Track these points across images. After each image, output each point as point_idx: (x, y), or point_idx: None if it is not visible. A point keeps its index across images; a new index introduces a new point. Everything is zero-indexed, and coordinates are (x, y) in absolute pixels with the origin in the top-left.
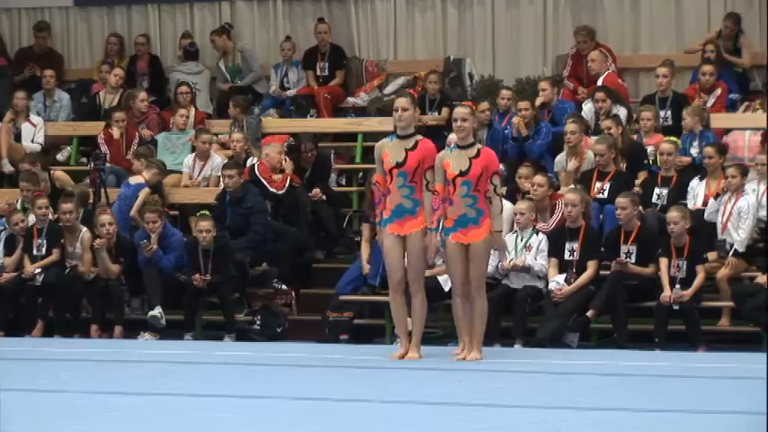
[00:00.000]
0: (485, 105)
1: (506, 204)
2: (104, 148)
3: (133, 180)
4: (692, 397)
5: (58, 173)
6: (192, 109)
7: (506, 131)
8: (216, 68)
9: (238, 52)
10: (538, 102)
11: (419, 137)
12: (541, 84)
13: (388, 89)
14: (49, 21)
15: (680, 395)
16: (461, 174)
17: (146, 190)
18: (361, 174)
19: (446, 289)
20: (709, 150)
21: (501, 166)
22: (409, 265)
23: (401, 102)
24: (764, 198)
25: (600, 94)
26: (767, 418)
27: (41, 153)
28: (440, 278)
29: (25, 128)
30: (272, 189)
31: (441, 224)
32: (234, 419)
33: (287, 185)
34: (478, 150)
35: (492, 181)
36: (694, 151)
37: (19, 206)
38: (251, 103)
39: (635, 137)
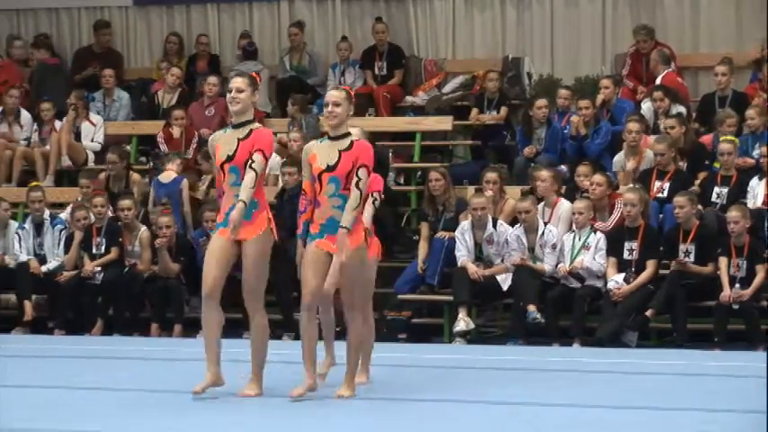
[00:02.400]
0: (542, 103)
1: (565, 204)
2: (164, 147)
3: (165, 178)
4: (751, 397)
5: (136, 175)
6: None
7: (565, 131)
8: (277, 64)
9: (306, 54)
10: (598, 100)
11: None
12: (603, 81)
13: (447, 88)
14: (108, 20)
15: (739, 395)
16: (328, 169)
17: (186, 180)
18: (419, 173)
19: (504, 288)
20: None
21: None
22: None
23: (332, 95)
24: None
25: (658, 93)
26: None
27: (101, 152)
28: (498, 277)
29: (85, 127)
30: None
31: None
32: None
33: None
34: (351, 142)
35: (358, 173)
36: (756, 153)
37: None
38: (309, 102)
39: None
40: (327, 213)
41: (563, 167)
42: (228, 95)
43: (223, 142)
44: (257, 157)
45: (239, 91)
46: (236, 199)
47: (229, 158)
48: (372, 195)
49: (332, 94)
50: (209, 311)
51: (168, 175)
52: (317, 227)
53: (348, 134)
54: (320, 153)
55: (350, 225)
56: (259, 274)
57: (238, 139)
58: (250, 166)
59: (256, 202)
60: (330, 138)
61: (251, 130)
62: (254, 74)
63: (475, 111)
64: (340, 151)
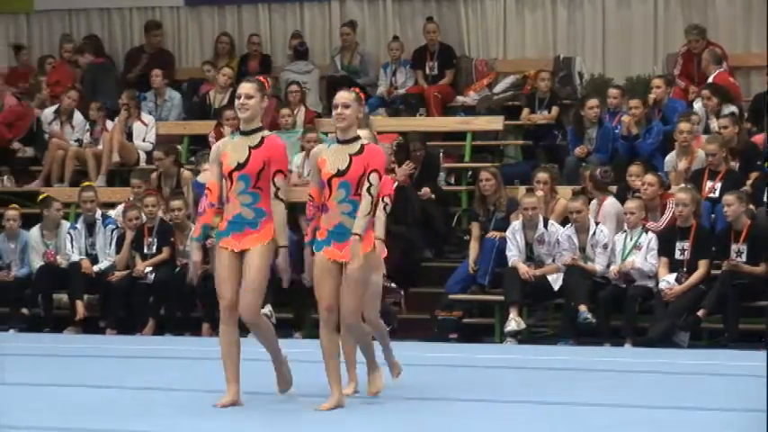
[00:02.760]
0: (594, 103)
1: (615, 204)
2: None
3: (202, 178)
4: None
5: (186, 173)
6: (302, 108)
7: (616, 130)
8: (328, 64)
9: (358, 54)
10: (650, 99)
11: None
12: (655, 81)
13: (498, 88)
14: (160, 20)
15: None
16: (339, 173)
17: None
18: (470, 173)
19: (555, 288)
20: None
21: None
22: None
23: (342, 97)
24: None
25: (706, 92)
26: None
27: (153, 152)
28: (549, 277)
29: (136, 127)
30: None
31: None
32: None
33: (394, 188)
34: (362, 146)
35: (369, 179)
36: None
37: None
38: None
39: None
40: (336, 219)
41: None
42: (237, 101)
43: (231, 149)
44: (279, 181)
45: (248, 97)
46: (242, 208)
47: (240, 166)
48: (383, 201)
49: (341, 96)
50: (229, 327)
51: (205, 175)
52: (325, 233)
53: (358, 137)
54: (330, 157)
55: (362, 232)
56: (259, 284)
57: (250, 147)
58: (276, 195)
59: (264, 212)
60: (339, 141)
61: (263, 138)
62: (263, 78)
63: (526, 110)
64: (350, 155)
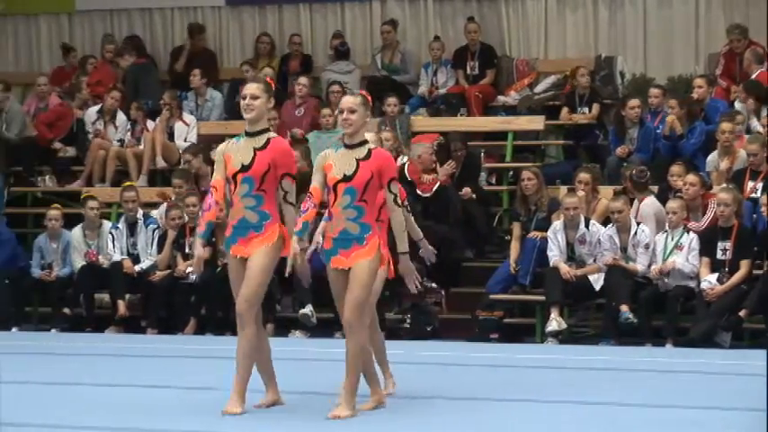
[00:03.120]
0: (635, 103)
1: (654, 204)
2: None
3: None
4: None
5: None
6: None
7: (658, 130)
8: (369, 64)
9: (399, 53)
10: (693, 99)
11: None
12: (697, 81)
13: (539, 88)
14: (201, 20)
15: None
16: (345, 179)
17: None
18: (511, 173)
19: (597, 288)
20: None
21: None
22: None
23: (347, 102)
24: None
25: (739, 89)
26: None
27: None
28: (590, 277)
29: (178, 127)
30: (419, 191)
31: (320, 245)
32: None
33: (435, 188)
34: (369, 151)
35: (390, 188)
36: None
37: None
38: (402, 102)
39: None
40: (340, 226)
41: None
42: (243, 102)
43: (235, 151)
44: (286, 184)
45: (254, 98)
46: (245, 211)
47: (244, 168)
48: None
49: (347, 100)
50: (251, 329)
51: None
52: (330, 242)
53: (365, 142)
54: (336, 162)
55: (406, 248)
56: (259, 286)
57: (255, 149)
58: (285, 199)
59: (268, 214)
60: (346, 146)
61: (268, 140)
62: (269, 78)
63: (566, 110)
64: (357, 160)
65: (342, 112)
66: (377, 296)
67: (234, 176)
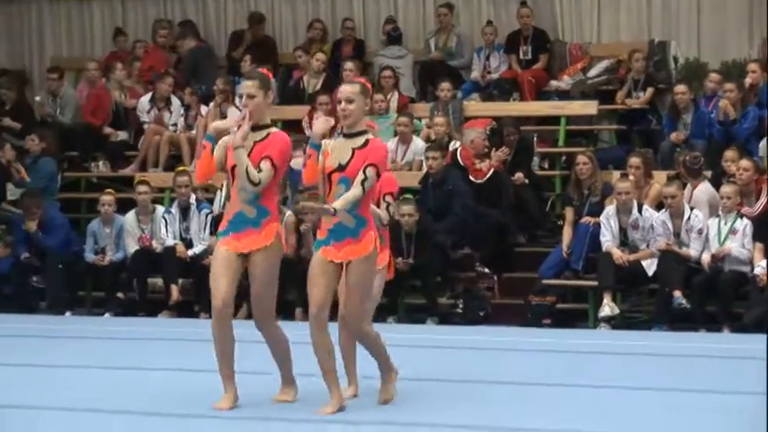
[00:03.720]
0: (682, 89)
1: (708, 190)
2: (308, 132)
3: (295, 165)
4: None
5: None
6: (396, 93)
7: (712, 115)
8: (422, 49)
9: (454, 36)
10: (746, 84)
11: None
12: (750, 65)
13: (592, 72)
14: (254, 6)
15: None
16: (340, 168)
17: None
18: (564, 157)
19: (649, 273)
20: None
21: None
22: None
23: (345, 92)
24: None
25: None
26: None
27: None
28: (643, 262)
29: (231, 112)
30: (471, 177)
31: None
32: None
33: (489, 174)
34: (367, 141)
35: (365, 172)
36: None
37: (224, 189)
38: (455, 87)
39: None
40: (336, 217)
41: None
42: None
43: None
44: (264, 165)
45: (250, 97)
46: (242, 204)
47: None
48: (384, 200)
49: (344, 90)
50: (223, 328)
51: (298, 162)
52: (325, 232)
53: (364, 132)
54: (334, 151)
55: (340, 207)
56: (269, 285)
57: (255, 142)
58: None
59: (267, 210)
60: (345, 135)
61: (268, 134)
62: (264, 70)
63: (620, 93)
64: (353, 150)
65: (339, 102)
66: (376, 302)
67: (232, 169)
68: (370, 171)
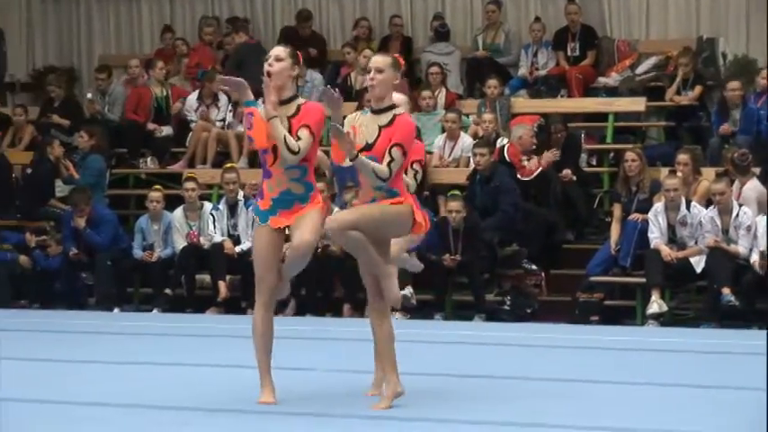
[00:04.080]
0: (735, 85)
1: (756, 187)
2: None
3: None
4: None
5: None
6: (443, 89)
7: (762, 111)
8: (469, 46)
9: (502, 32)
10: None
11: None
12: None
13: (640, 69)
14: (302, 3)
15: None
16: (366, 147)
17: None
18: (612, 154)
19: (698, 270)
20: None
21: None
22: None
23: (375, 61)
24: None
25: None
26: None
27: None
28: (692, 259)
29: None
30: (518, 175)
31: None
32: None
33: (536, 173)
34: (394, 117)
35: (390, 152)
36: None
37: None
38: (502, 83)
39: None
40: (369, 195)
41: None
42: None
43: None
44: (303, 133)
45: (278, 59)
46: (290, 183)
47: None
48: (412, 167)
49: (375, 60)
50: (268, 321)
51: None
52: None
53: (392, 107)
54: (362, 128)
55: (359, 164)
56: (315, 233)
57: (288, 118)
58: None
59: (313, 185)
60: (372, 111)
61: (299, 106)
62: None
63: (670, 90)
64: (380, 127)
65: (369, 71)
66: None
67: (274, 147)
68: (396, 152)
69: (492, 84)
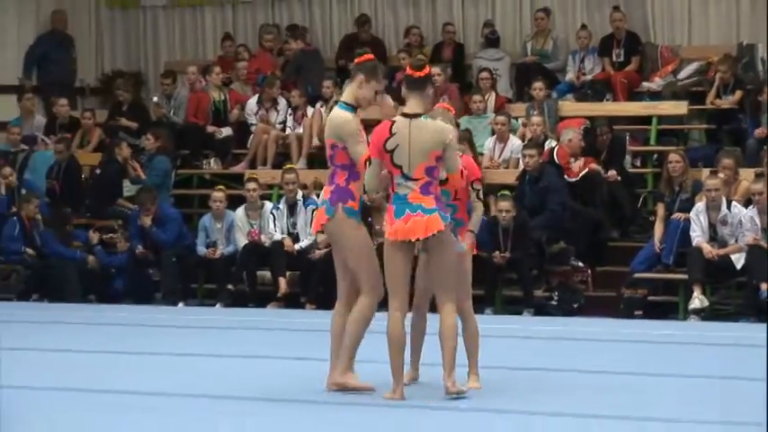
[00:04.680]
0: None
1: None
2: None
3: None
4: None
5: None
6: (493, 94)
7: None
8: (519, 51)
9: (551, 39)
10: None
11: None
12: None
13: (683, 74)
14: (358, 11)
15: None
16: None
17: None
18: (655, 156)
19: (738, 267)
20: None
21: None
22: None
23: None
24: None
25: None
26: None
27: None
28: (732, 257)
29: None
30: (566, 176)
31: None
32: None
33: (582, 173)
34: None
35: (473, 187)
36: None
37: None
38: (549, 87)
39: None
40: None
41: None
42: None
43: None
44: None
45: None
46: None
47: None
48: (473, 188)
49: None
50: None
51: None
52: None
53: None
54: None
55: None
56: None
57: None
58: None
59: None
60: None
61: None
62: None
63: (710, 94)
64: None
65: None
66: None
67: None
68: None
69: (537, 86)
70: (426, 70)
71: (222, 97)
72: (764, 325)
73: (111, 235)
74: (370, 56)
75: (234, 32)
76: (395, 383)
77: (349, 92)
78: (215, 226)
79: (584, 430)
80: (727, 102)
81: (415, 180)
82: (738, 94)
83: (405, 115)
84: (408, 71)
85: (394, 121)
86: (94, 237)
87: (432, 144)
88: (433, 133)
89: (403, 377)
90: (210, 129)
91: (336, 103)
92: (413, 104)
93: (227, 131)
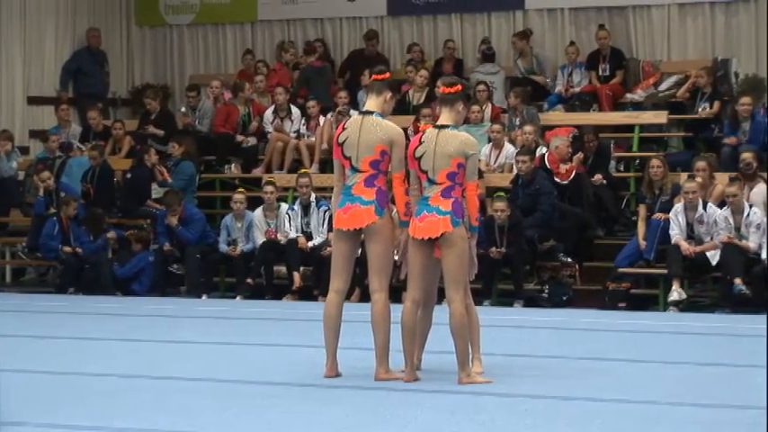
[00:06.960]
0: (746, 100)
1: (764, 190)
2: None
3: None
4: None
5: None
6: (489, 105)
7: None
8: (513, 66)
9: (533, 57)
10: None
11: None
12: None
13: (663, 86)
14: (365, 28)
15: None
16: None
17: None
18: (637, 161)
19: (713, 263)
20: None
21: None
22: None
23: None
24: None
25: None
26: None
27: None
28: (708, 253)
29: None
30: (557, 179)
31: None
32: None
33: (572, 176)
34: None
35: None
36: None
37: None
38: (530, 95)
39: None
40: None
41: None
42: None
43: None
44: None
45: None
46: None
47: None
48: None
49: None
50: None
51: None
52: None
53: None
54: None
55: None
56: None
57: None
58: None
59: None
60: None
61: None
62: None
63: (682, 91)
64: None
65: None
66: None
67: None
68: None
69: (512, 95)
70: (457, 87)
71: (247, 110)
72: (737, 316)
73: (131, 231)
74: (390, 74)
75: (253, 48)
76: (407, 367)
77: (378, 105)
78: (235, 225)
79: (572, 410)
80: (707, 112)
81: (438, 184)
82: (717, 105)
83: (435, 126)
84: (442, 88)
85: (424, 132)
86: (112, 238)
87: (455, 152)
88: (459, 144)
89: (414, 361)
90: (239, 138)
91: (369, 113)
92: (444, 117)
93: (252, 140)
